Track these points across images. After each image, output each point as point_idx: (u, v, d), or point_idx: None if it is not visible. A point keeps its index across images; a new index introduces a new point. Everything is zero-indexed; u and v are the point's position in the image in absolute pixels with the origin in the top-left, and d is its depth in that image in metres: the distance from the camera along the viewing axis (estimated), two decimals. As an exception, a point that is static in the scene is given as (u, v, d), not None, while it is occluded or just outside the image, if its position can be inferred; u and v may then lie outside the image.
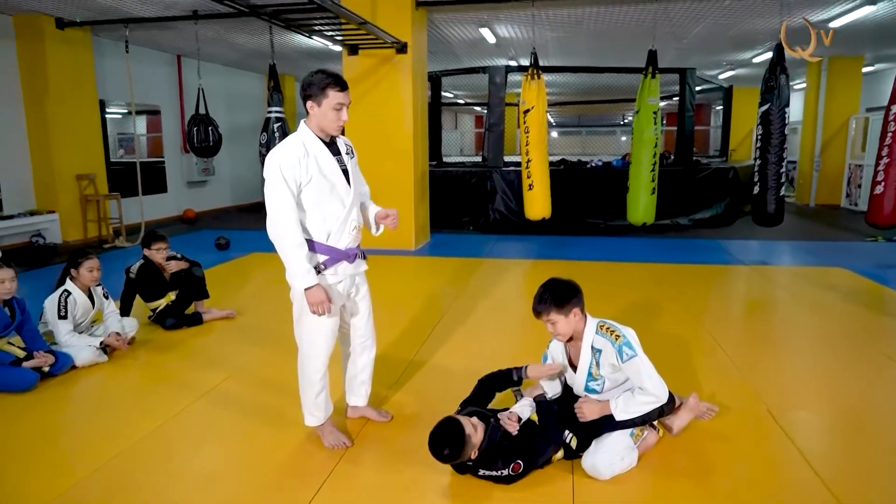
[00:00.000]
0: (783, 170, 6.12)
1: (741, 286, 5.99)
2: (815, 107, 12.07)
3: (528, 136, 7.05)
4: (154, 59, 10.53)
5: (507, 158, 9.98)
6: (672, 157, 10.51)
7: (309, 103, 2.56)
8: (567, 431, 2.51)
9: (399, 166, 7.43)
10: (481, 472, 2.38)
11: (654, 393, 2.44)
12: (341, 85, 2.54)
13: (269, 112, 7.62)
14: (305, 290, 2.48)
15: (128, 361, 3.82)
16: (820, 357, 3.95)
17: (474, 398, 2.73)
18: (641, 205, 7.09)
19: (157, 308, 4.45)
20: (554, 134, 25.02)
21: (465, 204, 9.40)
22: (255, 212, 11.75)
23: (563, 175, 9.37)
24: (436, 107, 11.02)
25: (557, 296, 2.54)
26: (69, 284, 3.78)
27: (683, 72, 10.00)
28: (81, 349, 3.62)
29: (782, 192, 6.17)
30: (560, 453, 2.54)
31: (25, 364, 3.35)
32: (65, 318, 3.68)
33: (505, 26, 8.86)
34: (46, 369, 3.42)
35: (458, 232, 9.15)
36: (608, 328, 2.52)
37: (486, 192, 9.27)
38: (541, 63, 11.93)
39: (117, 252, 7.66)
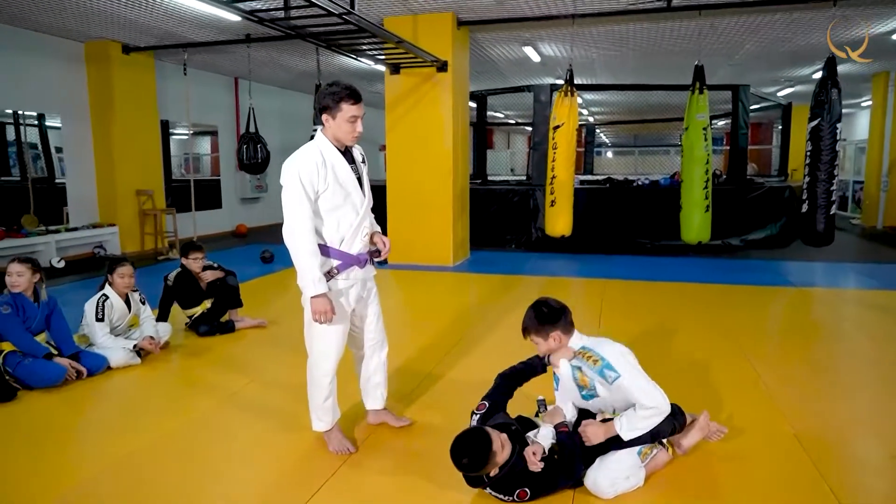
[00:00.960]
0: (833, 188, 5.81)
1: (787, 307, 5.71)
2: (882, 124, 11.47)
3: (555, 153, 6.98)
4: (213, 82, 11.07)
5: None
6: (724, 176, 10.18)
7: (324, 116, 2.63)
8: (584, 468, 2.43)
9: (439, 182, 7.48)
10: (489, 490, 2.34)
11: (651, 405, 2.34)
12: (355, 98, 2.60)
13: (315, 130, 7.85)
14: (312, 297, 2.53)
15: (159, 364, 3.99)
16: (861, 382, 3.72)
17: (494, 394, 2.61)
18: (695, 223, 6.87)
19: (193, 315, 4.63)
20: (609, 154, 24.69)
21: (508, 222, 9.36)
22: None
23: (609, 194, 9.23)
24: (480, 125, 11.10)
25: (538, 318, 2.51)
26: (107, 289, 3.99)
27: (736, 88, 9.72)
28: (116, 351, 3.81)
29: (833, 211, 5.85)
30: None
31: (56, 360, 3.53)
32: (102, 320, 3.88)
33: (549, 45, 8.86)
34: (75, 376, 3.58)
35: (500, 250, 9.13)
36: (587, 355, 2.45)
37: (528, 211, 9.23)
38: (588, 81, 11.94)
39: (170, 263, 8.00)
